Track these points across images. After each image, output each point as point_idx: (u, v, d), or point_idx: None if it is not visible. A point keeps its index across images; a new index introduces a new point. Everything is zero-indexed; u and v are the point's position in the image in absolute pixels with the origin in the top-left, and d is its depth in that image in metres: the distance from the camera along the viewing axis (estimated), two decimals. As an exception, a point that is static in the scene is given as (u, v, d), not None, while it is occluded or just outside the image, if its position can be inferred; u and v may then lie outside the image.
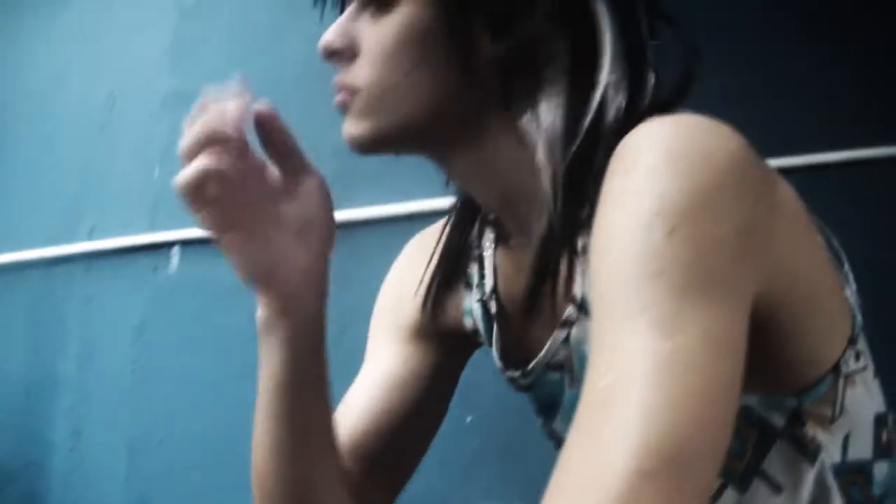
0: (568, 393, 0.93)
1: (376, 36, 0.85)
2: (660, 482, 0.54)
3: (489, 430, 1.89)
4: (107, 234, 2.40)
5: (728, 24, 1.88)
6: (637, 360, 0.58)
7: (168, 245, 2.30)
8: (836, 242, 0.85)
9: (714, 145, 0.67)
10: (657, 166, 0.65)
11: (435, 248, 1.03)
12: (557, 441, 0.99)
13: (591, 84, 0.80)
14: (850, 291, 0.84)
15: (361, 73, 0.85)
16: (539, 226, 0.82)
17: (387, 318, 1.09)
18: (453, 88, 0.84)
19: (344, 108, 0.88)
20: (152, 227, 2.34)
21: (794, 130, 1.82)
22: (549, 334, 0.90)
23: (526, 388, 0.99)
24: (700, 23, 1.79)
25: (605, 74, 0.80)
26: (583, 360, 0.88)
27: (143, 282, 2.33)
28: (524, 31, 0.82)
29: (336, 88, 0.88)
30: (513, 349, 1.00)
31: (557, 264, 0.83)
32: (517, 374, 0.97)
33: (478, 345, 1.07)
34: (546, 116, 0.81)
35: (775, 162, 1.73)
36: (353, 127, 0.87)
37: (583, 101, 0.80)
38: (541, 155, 0.80)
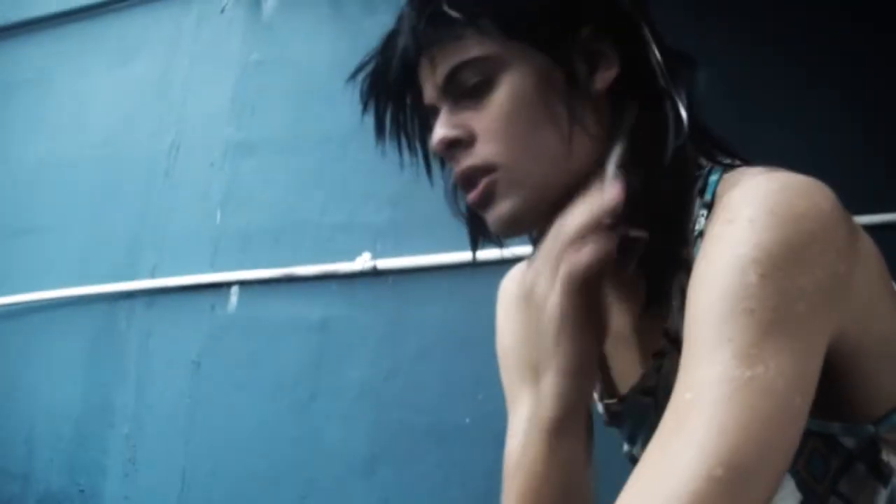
0: (653, 417, 0.96)
1: (490, 117, 0.86)
2: (724, 489, 0.61)
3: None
4: (168, 272, 2.47)
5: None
6: (717, 383, 0.65)
7: (227, 285, 2.38)
8: None
9: (806, 206, 0.72)
10: (756, 219, 0.71)
11: None
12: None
13: (657, 116, 0.87)
14: None
15: (489, 150, 0.86)
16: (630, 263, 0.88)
17: (515, 358, 1.08)
18: (574, 137, 0.86)
19: (488, 197, 0.88)
20: (212, 267, 2.42)
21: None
22: (640, 366, 0.95)
23: (617, 418, 1.03)
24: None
25: (674, 105, 0.86)
26: (669, 392, 0.92)
27: (201, 319, 2.39)
28: (612, 65, 0.88)
29: (464, 178, 0.88)
30: (606, 382, 1.04)
31: (668, 292, 0.89)
32: (612, 401, 1.02)
33: None
34: (631, 149, 0.86)
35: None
36: (505, 206, 0.88)
37: (656, 134, 0.86)
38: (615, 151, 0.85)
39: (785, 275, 0.69)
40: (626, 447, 1.07)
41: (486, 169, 0.87)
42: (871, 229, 1.56)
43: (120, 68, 2.79)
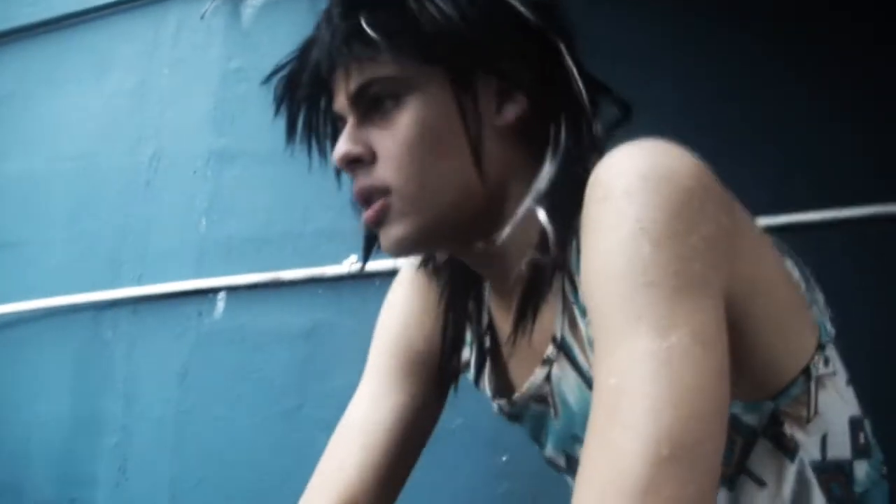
0: (552, 423, 0.99)
1: (392, 137, 0.87)
2: (675, 467, 0.61)
3: (520, 473, 1.94)
4: (153, 280, 2.46)
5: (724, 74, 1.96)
6: (638, 362, 0.65)
7: (213, 291, 2.36)
8: (806, 269, 0.92)
9: (676, 164, 0.73)
10: (630, 189, 0.72)
11: (443, 291, 1.06)
12: (554, 466, 1.05)
13: (579, 139, 0.89)
14: (818, 309, 0.90)
15: (387, 173, 0.88)
16: (517, 270, 0.90)
17: (392, 344, 1.11)
18: (474, 168, 0.88)
19: (381, 218, 0.89)
20: (198, 274, 2.40)
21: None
22: (533, 368, 0.96)
23: (514, 417, 1.05)
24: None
25: (595, 128, 0.90)
26: (562, 397, 0.94)
27: (187, 327, 2.38)
28: (521, 99, 0.90)
29: (361, 196, 0.90)
30: (502, 381, 1.06)
31: (538, 306, 0.91)
32: (503, 402, 1.03)
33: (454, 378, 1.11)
34: (549, 172, 0.88)
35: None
36: (396, 230, 0.89)
37: (575, 154, 0.88)
38: (542, 213, 0.87)
39: (675, 238, 0.70)
40: (538, 448, 1.08)
41: (380, 190, 0.89)
42: (861, 222, 1.58)
43: (97, 79, 2.77)
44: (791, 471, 0.85)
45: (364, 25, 0.85)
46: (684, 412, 0.63)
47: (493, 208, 0.91)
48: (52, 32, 2.88)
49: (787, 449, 0.85)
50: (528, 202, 0.88)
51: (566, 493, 1.10)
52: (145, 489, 2.32)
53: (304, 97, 0.95)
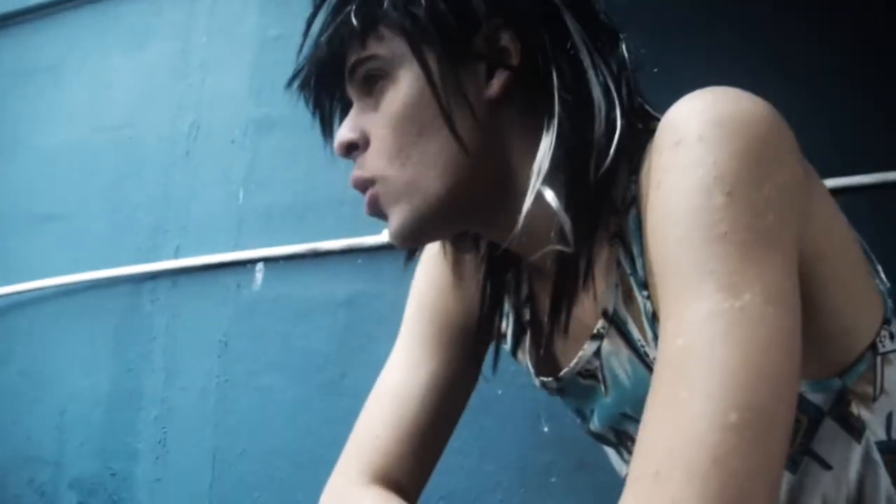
0: (602, 400, 0.95)
1: (381, 122, 0.86)
2: (745, 432, 0.57)
3: (563, 442, 1.91)
4: (192, 253, 2.45)
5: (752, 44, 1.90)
6: (709, 321, 0.62)
7: (252, 262, 2.35)
8: (863, 241, 0.87)
9: (750, 110, 0.70)
10: (704, 135, 0.68)
11: (481, 260, 1.03)
12: (602, 440, 1.02)
13: (583, 102, 0.83)
14: (880, 280, 0.86)
15: (374, 161, 0.86)
16: (547, 248, 0.85)
17: (428, 311, 1.09)
18: (467, 143, 0.84)
19: (376, 209, 0.88)
20: (236, 246, 2.39)
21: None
22: (580, 344, 0.92)
23: (559, 392, 1.02)
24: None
25: (596, 93, 0.83)
26: (612, 373, 0.90)
27: (227, 298, 2.37)
28: (509, 64, 0.85)
29: (354, 186, 0.89)
30: (544, 356, 1.02)
31: (572, 299, 0.87)
32: (549, 379, 0.99)
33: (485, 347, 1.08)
34: (548, 140, 0.83)
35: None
36: (392, 221, 0.87)
37: (580, 119, 0.83)
38: (550, 194, 0.82)
39: (750, 187, 0.66)
40: (578, 421, 1.05)
41: (369, 181, 0.87)
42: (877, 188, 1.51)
43: (136, 50, 2.76)
44: (857, 452, 0.81)
45: (351, 15, 0.84)
46: (755, 375, 0.59)
47: (500, 185, 0.88)
48: (92, 4, 2.87)
49: (854, 429, 0.80)
50: (533, 184, 0.83)
51: (609, 465, 1.06)
52: (186, 462, 2.32)
53: (321, 89, 0.94)
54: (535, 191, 0.82)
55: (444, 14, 0.82)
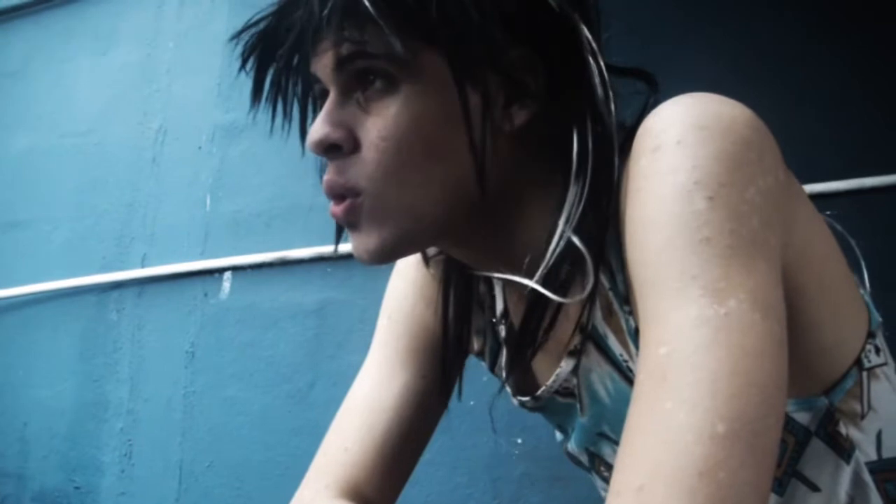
0: (579, 420, 0.92)
1: (379, 130, 0.76)
2: (733, 444, 0.55)
3: (538, 453, 1.89)
4: (159, 261, 2.42)
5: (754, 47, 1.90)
6: (693, 328, 0.59)
7: (219, 271, 2.33)
8: (853, 242, 0.86)
9: (731, 113, 0.67)
10: (683, 139, 0.65)
11: (446, 271, 0.99)
12: (576, 463, 0.99)
13: (605, 139, 0.78)
14: (865, 291, 0.83)
15: (365, 170, 0.77)
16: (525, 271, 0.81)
17: (401, 323, 1.04)
18: (471, 173, 0.77)
19: (349, 219, 0.79)
20: (203, 254, 2.36)
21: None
22: (557, 361, 0.88)
23: (538, 410, 0.98)
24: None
25: (611, 129, 0.78)
26: (591, 390, 0.87)
27: (194, 308, 2.34)
28: (538, 94, 0.79)
29: (331, 191, 0.79)
30: (524, 375, 0.98)
31: (545, 308, 0.82)
32: (526, 398, 0.95)
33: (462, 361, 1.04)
34: (577, 188, 0.78)
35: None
36: (368, 240, 0.79)
37: (603, 160, 0.78)
38: (578, 240, 0.77)
39: (732, 191, 0.63)
40: (558, 435, 1.01)
41: (352, 191, 0.77)
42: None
43: (102, 55, 2.73)
44: (846, 473, 0.78)
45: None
46: (743, 384, 0.56)
47: (495, 213, 0.83)
48: (57, 8, 2.84)
49: (842, 449, 0.78)
50: (561, 229, 0.78)
51: (584, 478, 1.04)
52: (152, 475, 2.29)
53: (279, 59, 0.81)
54: (564, 238, 0.77)
55: (485, 27, 0.74)
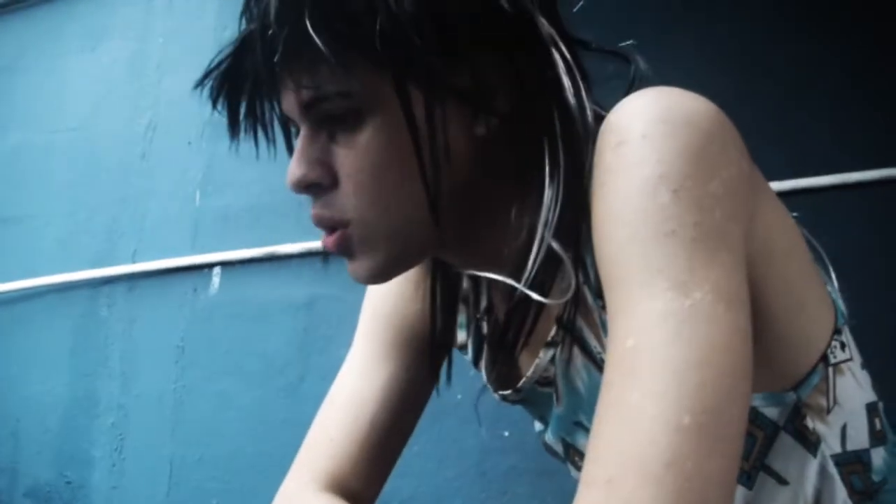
0: (555, 410, 0.93)
1: (354, 163, 0.77)
2: (699, 434, 0.56)
3: (526, 446, 1.90)
4: (149, 256, 2.43)
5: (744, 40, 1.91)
6: (659, 321, 0.60)
7: (209, 266, 2.33)
8: (815, 242, 0.85)
9: (694, 107, 0.68)
10: (648, 133, 0.66)
11: (433, 268, 1.00)
12: (552, 454, 1.00)
13: (574, 140, 0.79)
14: (832, 287, 0.84)
15: (349, 203, 0.78)
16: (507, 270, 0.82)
17: (385, 316, 1.05)
18: (449, 185, 0.78)
19: (342, 249, 0.81)
20: (193, 250, 2.37)
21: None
22: (535, 353, 0.90)
23: (519, 402, 0.99)
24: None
25: (581, 128, 0.79)
26: (567, 380, 0.88)
27: (184, 303, 2.35)
28: (499, 105, 0.80)
29: (320, 224, 0.81)
30: (505, 369, 0.99)
31: (529, 308, 0.84)
32: (508, 392, 0.96)
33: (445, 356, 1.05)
34: (552, 191, 0.79)
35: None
36: (363, 265, 0.82)
37: (574, 161, 0.79)
38: (557, 245, 0.78)
39: (696, 184, 0.64)
40: (537, 426, 1.02)
41: (341, 223, 0.79)
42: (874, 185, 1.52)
43: (91, 50, 2.73)
44: (813, 466, 0.79)
45: (309, 29, 0.72)
46: (708, 376, 0.57)
47: (482, 221, 0.84)
48: (47, 4, 2.84)
49: (810, 443, 0.79)
50: (541, 235, 0.79)
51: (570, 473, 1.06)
52: (143, 469, 2.30)
53: (245, 97, 0.83)
54: (545, 246, 0.78)
55: (430, 47, 0.74)
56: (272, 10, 0.74)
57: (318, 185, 0.79)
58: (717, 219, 0.64)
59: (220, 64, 0.82)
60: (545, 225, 0.78)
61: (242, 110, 0.84)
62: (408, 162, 0.76)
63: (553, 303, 0.81)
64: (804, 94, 1.82)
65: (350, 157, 0.77)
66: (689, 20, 1.93)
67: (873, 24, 1.80)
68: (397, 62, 0.74)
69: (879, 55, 1.79)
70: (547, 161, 0.79)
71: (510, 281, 0.81)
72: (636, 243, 0.64)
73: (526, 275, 0.79)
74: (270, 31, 0.74)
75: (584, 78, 0.82)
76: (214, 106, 0.83)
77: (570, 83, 0.79)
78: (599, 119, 0.80)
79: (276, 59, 0.74)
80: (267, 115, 0.84)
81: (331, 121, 0.78)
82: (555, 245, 0.78)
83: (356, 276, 0.83)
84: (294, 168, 0.78)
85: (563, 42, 0.81)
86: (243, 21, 0.80)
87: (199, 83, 0.83)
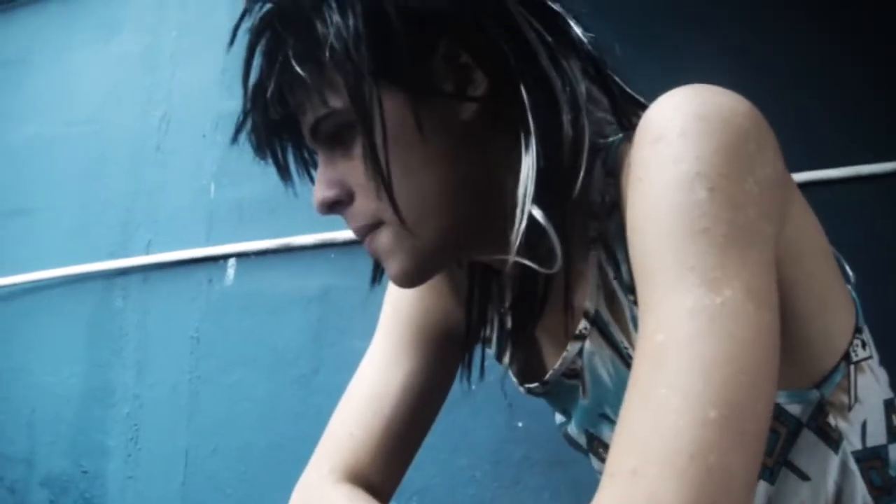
0: (581, 402, 0.94)
1: (357, 171, 0.81)
2: (724, 428, 0.57)
3: (537, 437, 1.91)
4: (163, 247, 2.44)
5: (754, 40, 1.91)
6: (689, 317, 0.61)
7: (224, 258, 2.34)
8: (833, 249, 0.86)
9: (732, 104, 0.69)
10: (686, 130, 0.67)
11: (470, 269, 1.02)
12: (574, 445, 1.01)
13: (553, 114, 0.81)
14: (852, 287, 0.85)
15: (367, 208, 0.83)
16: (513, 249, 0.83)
17: (408, 311, 1.07)
18: (447, 172, 0.82)
19: (379, 250, 0.85)
20: (208, 241, 2.38)
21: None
22: (562, 346, 0.91)
23: (543, 395, 1.01)
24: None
25: (562, 100, 0.81)
26: (594, 373, 0.90)
27: (198, 294, 2.36)
28: (477, 82, 0.82)
29: (358, 234, 0.85)
30: (526, 361, 1.01)
31: (537, 316, 0.88)
32: (534, 385, 0.98)
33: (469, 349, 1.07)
34: (529, 161, 0.80)
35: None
36: (398, 265, 0.85)
37: (553, 134, 0.81)
38: (539, 213, 0.80)
39: (731, 182, 0.65)
40: (558, 419, 1.04)
41: (373, 226, 0.84)
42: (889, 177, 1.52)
43: (105, 43, 2.74)
44: (835, 463, 0.81)
45: (293, 63, 0.78)
46: (734, 372, 0.59)
47: (490, 203, 0.85)
48: (59, -4, 2.83)
49: (832, 440, 0.80)
50: (521, 207, 0.81)
51: (583, 461, 1.06)
52: (158, 459, 2.31)
53: (277, 147, 0.90)
54: (525, 214, 0.80)
55: (400, 48, 0.78)
56: (265, 54, 0.82)
57: (339, 202, 0.84)
58: (751, 217, 0.65)
59: (242, 124, 0.88)
60: (524, 193, 0.80)
61: (281, 156, 0.90)
62: (402, 161, 0.80)
63: (548, 272, 0.82)
64: (818, 86, 1.82)
65: (353, 169, 0.82)
66: (704, 12, 1.93)
67: (888, 17, 1.80)
68: (372, 72, 0.77)
69: (894, 47, 1.79)
70: (521, 129, 0.81)
71: (505, 257, 0.83)
72: (670, 239, 0.65)
73: (513, 240, 0.81)
74: (270, 87, 0.80)
75: (570, 45, 0.84)
76: (234, 138, 0.90)
77: (545, 50, 0.81)
78: (635, 103, 0.82)
79: (276, 105, 0.81)
80: (297, 153, 0.91)
81: (333, 140, 0.83)
82: (537, 213, 0.79)
83: (394, 280, 0.87)
84: (316, 192, 0.84)
85: (537, 10, 0.83)
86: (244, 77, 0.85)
87: (234, 140, 0.90)
